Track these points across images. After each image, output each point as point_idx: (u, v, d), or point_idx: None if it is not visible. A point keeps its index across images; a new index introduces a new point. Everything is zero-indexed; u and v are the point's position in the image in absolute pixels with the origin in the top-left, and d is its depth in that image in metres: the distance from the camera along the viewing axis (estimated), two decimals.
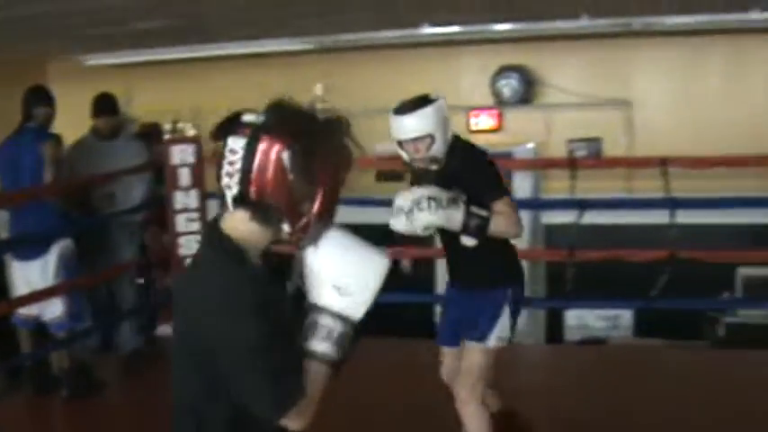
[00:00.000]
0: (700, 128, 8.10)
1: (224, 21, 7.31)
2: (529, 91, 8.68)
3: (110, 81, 8.35)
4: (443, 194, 3.96)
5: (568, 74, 8.67)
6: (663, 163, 6.93)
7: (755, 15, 6.87)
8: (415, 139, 4.11)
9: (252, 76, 8.82)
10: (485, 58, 8.81)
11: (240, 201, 2.04)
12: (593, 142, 8.55)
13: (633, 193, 8.10)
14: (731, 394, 5.70)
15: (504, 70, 8.70)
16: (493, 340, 4.23)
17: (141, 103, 9.16)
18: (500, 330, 4.24)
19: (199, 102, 8.87)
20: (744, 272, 8.03)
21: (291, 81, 8.92)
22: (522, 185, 8.67)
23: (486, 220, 3.99)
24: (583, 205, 7.17)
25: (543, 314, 8.93)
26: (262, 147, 2.01)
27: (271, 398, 2.01)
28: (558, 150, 8.65)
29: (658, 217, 7.02)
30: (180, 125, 8.56)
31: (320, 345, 2.07)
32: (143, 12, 6.56)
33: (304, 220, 2.08)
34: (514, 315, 4.32)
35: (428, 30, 7.75)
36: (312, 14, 7.08)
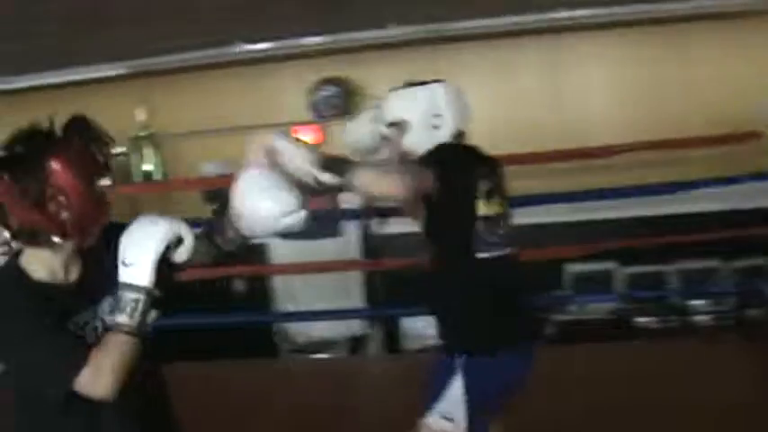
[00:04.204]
0: (522, 128, 8.25)
1: (32, 49, 7.08)
2: (349, 103, 8.68)
3: None
4: None
5: (388, 83, 8.69)
6: None
7: (564, 14, 7.11)
8: None
9: (66, 106, 8.56)
10: (303, 73, 8.80)
11: (13, 237, 2.31)
12: None
13: None
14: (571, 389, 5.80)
15: (322, 84, 8.69)
16: (434, 416, 3.32)
17: None
18: (446, 405, 3.30)
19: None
20: (571, 268, 8.23)
21: (110, 108, 8.86)
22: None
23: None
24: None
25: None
26: None
27: (52, 372, 2.23)
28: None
29: None
30: None
31: (115, 316, 2.26)
32: None
33: (67, 226, 2.29)
34: (475, 397, 3.28)
35: (241, 47, 7.71)
36: (124, 37, 6.94)
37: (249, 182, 2.46)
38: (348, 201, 8.54)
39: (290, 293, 8.83)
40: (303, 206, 2.46)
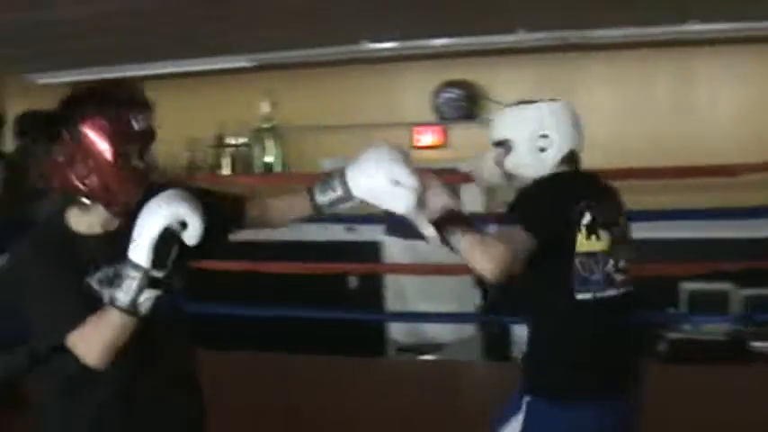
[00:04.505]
0: (648, 141, 8.13)
1: (164, 38, 7.26)
2: (472, 106, 8.67)
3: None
4: None
5: (513, 88, 8.66)
6: None
7: (696, 27, 6.97)
8: None
9: (190, 96, 8.76)
10: (427, 74, 8.81)
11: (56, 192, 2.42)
12: None
13: None
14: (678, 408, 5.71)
15: (446, 86, 8.71)
16: None
17: None
18: None
19: None
20: (687, 287, 8.04)
21: (235, 99, 9.03)
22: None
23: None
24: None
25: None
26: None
27: (47, 322, 2.35)
28: None
29: None
30: None
31: (113, 291, 2.28)
32: (86, 29, 6.50)
33: (94, 190, 2.35)
34: None
35: (368, 45, 7.75)
36: (252, 30, 7.05)
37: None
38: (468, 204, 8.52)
39: (400, 293, 8.86)
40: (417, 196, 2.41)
